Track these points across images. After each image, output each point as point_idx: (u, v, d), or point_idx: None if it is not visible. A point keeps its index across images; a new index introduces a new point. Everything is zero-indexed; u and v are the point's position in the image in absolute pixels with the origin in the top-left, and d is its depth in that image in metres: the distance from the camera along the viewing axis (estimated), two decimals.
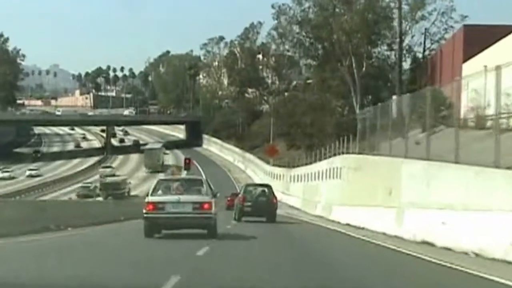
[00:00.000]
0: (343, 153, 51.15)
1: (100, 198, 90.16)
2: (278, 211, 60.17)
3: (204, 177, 66.92)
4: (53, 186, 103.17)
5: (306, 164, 71.22)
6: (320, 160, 65.43)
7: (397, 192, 28.61)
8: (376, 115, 39.37)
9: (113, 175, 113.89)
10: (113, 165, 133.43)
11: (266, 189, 41.96)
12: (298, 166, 77.63)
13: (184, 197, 21.25)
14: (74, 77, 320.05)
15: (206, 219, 21.36)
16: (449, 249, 18.54)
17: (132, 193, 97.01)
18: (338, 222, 40.76)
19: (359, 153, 40.28)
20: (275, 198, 41.59)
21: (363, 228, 32.48)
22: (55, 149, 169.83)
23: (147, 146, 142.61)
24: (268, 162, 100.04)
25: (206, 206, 21.22)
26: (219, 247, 19.34)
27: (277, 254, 18.31)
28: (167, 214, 21.04)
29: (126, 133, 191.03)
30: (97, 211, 35.94)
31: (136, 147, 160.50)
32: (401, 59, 73.88)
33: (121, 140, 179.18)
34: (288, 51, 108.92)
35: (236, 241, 22.42)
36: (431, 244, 20.20)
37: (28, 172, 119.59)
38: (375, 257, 19.00)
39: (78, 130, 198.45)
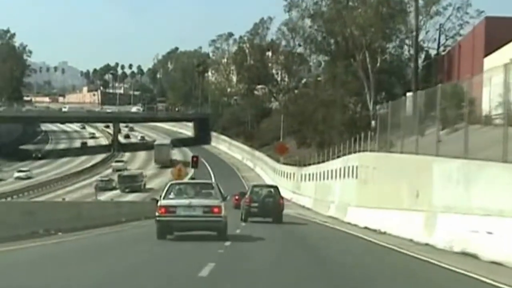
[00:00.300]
0: (359, 151, 48.27)
1: (117, 191, 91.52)
2: (289, 211, 57.04)
3: (214, 180, 63.71)
4: (53, 185, 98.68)
5: (318, 162, 68.26)
6: (333, 158, 62.53)
7: (426, 194, 25.60)
8: (397, 110, 36.54)
9: (126, 169, 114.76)
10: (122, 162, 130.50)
11: (272, 190, 41.80)
12: (309, 164, 74.65)
13: (195, 201, 21.74)
14: (82, 74, 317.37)
15: (216, 222, 21.79)
16: (499, 264, 15.64)
17: (147, 186, 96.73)
18: (355, 225, 37.95)
19: (378, 150, 37.30)
20: (282, 198, 41.22)
21: (384, 233, 29.61)
22: (62, 146, 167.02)
23: (157, 142, 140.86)
24: (278, 160, 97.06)
25: (216, 210, 21.63)
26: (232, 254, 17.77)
27: (293, 268, 15.54)
28: (178, 217, 21.51)
29: (131, 129, 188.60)
30: (94, 213, 32.85)
31: (144, 144, 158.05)
32: (417, 53, 70.68)
33: (127, 136, 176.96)
34: (299, 45, 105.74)
35: (249, 243, 22.31)
36: (474, 257, 17.29)
37: (16, 174, 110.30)
38: (406, 271, 16.12)
39: (88, 129, 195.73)
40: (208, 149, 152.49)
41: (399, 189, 31.65)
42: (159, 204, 22.17)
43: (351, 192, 46.68)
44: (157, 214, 21.94)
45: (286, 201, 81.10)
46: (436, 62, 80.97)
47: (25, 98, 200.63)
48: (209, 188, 23.15)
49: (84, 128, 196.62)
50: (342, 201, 50.57)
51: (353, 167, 46.12)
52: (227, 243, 21.03)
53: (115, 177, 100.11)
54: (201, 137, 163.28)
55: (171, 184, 23.62)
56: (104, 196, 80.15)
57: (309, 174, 72.02)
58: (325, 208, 57.30)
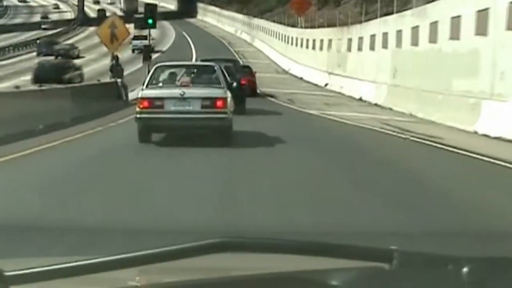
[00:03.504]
0: None
1: None
2: (358, 118, 24.19)
3: (195, 56, 44.86)
4: None
5: (404, 9, 30.68)
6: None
7: None
8: None
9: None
10: (79, 37, 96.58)
11: (231, 66, 26.42)
12: (371, 19, 37.11)
13: (190, 91, 14.95)
14: None
15: (219, 120, 14.80)
16: None
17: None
18: None
19: None
20: (246, 79, 27.26)
21: None
22: (17, 21, 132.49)
23: None
24: (293, 25, 58.93)
25: (219, 103, 14.92)
26: None
27: None
28: (167, 114, 14.77)
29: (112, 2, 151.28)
30: None
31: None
32: None
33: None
34: None
35: None
36: None
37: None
38: None
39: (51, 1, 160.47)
40: (193, 23, 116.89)
41: None
42: (139, 95, 15.31)
43: None
44: (137, 109, 15.00)
45: (319, 90, 44.07)
46: None
47: None
48: (210, 72, 16.25)
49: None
50: None
51: None
52: None
53: None
54: (186, 10, 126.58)
55: (157, 67, 16.24)
56: None
57: (371, 38, 34.29)
58: (449, 110, 21.05)
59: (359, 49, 36.72)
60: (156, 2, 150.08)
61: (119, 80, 27.94)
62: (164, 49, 78.60)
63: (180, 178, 10.86)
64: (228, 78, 19.13)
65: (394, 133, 18.82)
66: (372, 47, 34.34)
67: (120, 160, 13.14)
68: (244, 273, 1.76)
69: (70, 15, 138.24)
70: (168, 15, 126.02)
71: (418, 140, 16.96)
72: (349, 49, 38.89)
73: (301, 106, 29.63)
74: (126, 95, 28.27)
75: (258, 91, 36.05)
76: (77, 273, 1.38)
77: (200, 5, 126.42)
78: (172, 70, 16.80)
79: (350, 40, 38.70)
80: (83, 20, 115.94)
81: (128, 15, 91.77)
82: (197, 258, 1.38)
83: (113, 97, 26.56)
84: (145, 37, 79.91)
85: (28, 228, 6.82)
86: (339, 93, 37.45)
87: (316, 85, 43.19)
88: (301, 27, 55.62)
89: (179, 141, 15.18)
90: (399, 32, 29.90)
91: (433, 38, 25.40)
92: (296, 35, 55.58)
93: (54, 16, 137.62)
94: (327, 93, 38.29)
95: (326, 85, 41.67)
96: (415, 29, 27.68)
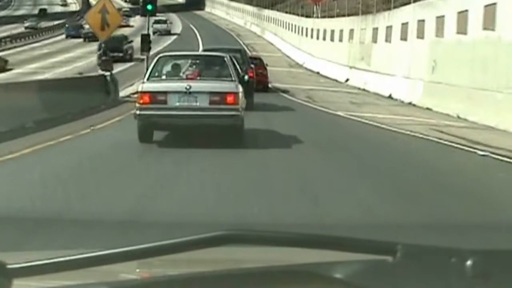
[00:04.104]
0: None
1: None
2: (399, 119, 20.05)
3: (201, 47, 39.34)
4: None
5: None
6: None
7: None
8: None
9: None
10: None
11: (238, 56, 22.69)
12: (395, 7, 32.31)
13: (197, 85, 13.12)
14: None
15: (230, 118, 12.93)
16: None
17: None
18: None
19: None
20: (253, 70, 23.99)
21: None
22: (21, 12, 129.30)
23: None
24: (308, 15, 54.07)
25: (230, 98, 12.97)
26: None
27: None
28: (170, 111, 12.88)
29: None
30: None
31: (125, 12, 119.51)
32: None
33: None
34: None
35: None
36: None
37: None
38: None
39: None
40: (201, 15, 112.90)
41: None
42: (139, 89, 13.40)
43: None
44: (137, 105, 13.09)
45: (340, 86, 38.61)
46: None
47: None
48: (219, 63, 14.19)
49: None
50: None
51: None
52: None
53: None
54: (193, 3, 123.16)
55: (160, 58, 14.20)
56: None
57: (405, 26, 29.51)
58: None
59: (387, 40, 31.92)
60: None
61: (107, 73, 23.26)
62: (179, 31, 77.73)
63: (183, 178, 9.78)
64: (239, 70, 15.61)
65: (458, 145, 14.11)
66: (404, 37, 29.55)
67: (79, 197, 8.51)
68: (247, 265, 1.77)
69: (75, 7, 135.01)
70: (176, 8, 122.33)
71: (501, 158, 12.20)
72: (374, 40, 34.08)
73: (324, 105, 24.96)
74: (116, 91, 23.68)
75: (270, 86, 31.60)
76: (79, 266, 1.38)
77: None
78: (177, 61, 14.88)
79: (376, 29, 33.88)
80: (86, 10, 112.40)
81: (135, 5, 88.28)
82: (200, 251, 1.37)
83: (99, 93, 21.97)
84: (165, 21, 78.43)
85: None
86: (363, 89, 32.72)
87: (335, 80, 38.38)
88: (317, 17, 50.82)
89: (182, 140, 13.00)
90: (439, 19, 25.15)
91: (489, 24, 20.63)
92: (311, 26, 50.67)
93: (58, 9, 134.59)
94: (350, 89, 33.53)
95: (347, 80, 36.90)
96: (462, 14, 22.90)
